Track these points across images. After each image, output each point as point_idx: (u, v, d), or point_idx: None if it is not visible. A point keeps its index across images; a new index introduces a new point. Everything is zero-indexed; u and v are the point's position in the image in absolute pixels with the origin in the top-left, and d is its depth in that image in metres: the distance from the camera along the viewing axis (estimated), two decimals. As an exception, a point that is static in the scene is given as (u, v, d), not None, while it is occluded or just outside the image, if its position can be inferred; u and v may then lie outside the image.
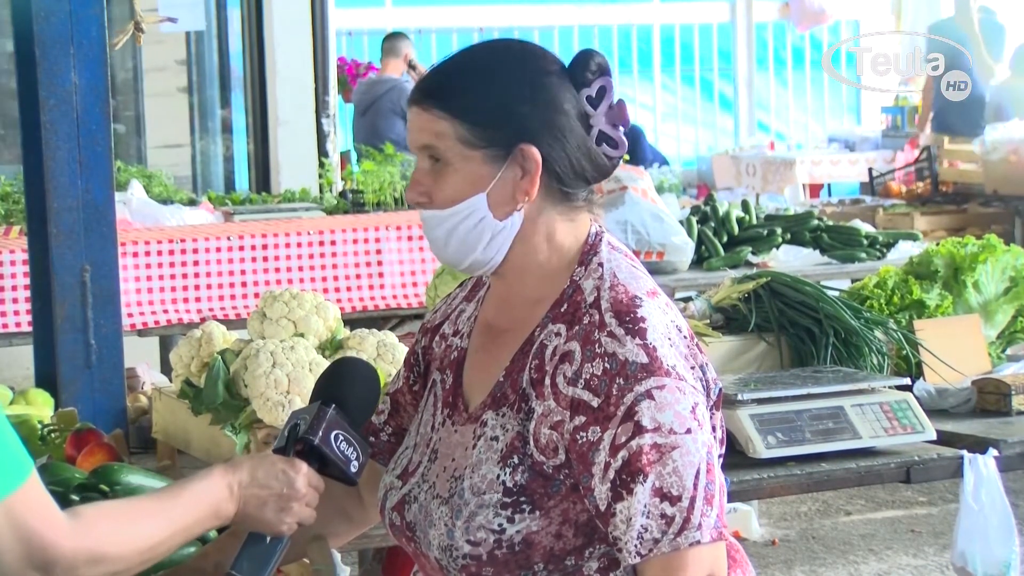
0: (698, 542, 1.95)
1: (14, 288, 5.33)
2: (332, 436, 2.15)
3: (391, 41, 10.40)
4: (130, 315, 5.38)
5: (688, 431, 1.97)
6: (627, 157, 11.05)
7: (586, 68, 2.13)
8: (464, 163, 2.08)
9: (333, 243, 5.87)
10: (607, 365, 2.00)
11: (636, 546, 1.96)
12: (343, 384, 2.22)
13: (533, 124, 2.08)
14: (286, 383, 2.97)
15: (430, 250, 2.26)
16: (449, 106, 2.08)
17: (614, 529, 1.98)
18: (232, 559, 2.16)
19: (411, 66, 10.10)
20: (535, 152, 2.07)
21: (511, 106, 2.07)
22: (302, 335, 3.14)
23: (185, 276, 5.63)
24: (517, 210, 2.10)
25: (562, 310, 2.10)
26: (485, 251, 2.11)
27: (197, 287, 5.65)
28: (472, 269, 2.15)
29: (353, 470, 2.17)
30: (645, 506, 1.95)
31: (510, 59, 2.12)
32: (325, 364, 2.98)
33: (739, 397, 3.25)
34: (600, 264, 2.12)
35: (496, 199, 2.09)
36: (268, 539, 2.12)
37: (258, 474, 2.09)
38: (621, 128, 2.16)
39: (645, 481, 1.95)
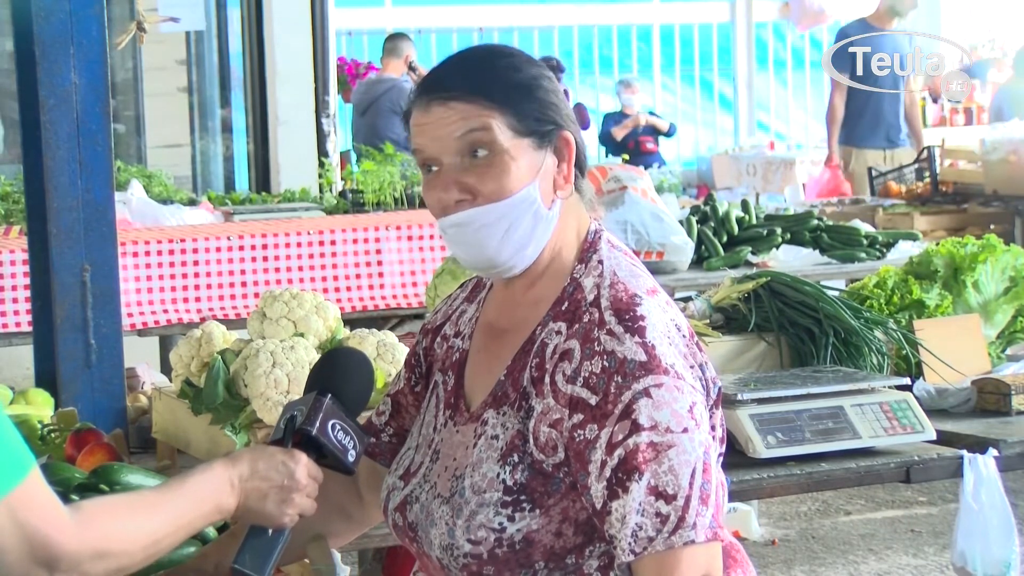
0: (692, 541, 1.95)
1: (14, 288, 5.33)
2: (329, 426, 2.14)
3: (393, 41, 10.40)
4: (130, 315, 5.38)
5: (685, 430, 1.97)
6: (627, 157, 11.06)
7: (556, 70, 2.16)
8: (517, 151, 2.06)
9: (333, 243, 5.87)
10: (606, 363, 2.00)
11: (630, 544, 1.96)
12: (337, 373, 2.22)
13: (563, 111, 2.10)
14: (286, 383, 2.97)
15: (453, 252, 2.17)
16: (490, 96, 2.06)
17: (609, 527, 1.98)
18: (232, 557, 2.16)
19: (411, 67, 10.09)
20: (571, 137, 2.09)
21: (543, 95, 2.08)
22: (302, 335, 3.14)
23: (185, 276, 5.63)
24: (558, 198, 2.10)
25: (563, 308, 2.11)
26: (536, 245, 2.10)
27: (197, 287, 5.65)
28: (510, 269, 2.11)
29: (350, 459, 2.17)
30: (640, 504, 1.95)
31: (519, 56, 2.13)
32: (325, 364, 2.98)
33: (739, 397, 3.25)
34: (600, 262, 2.12)
35: (544, 187, 2.09)
36: (270, 532, 2.12)
37: (258, 467, 2.09)
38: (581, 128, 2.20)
39: (640, 479, 1.95)
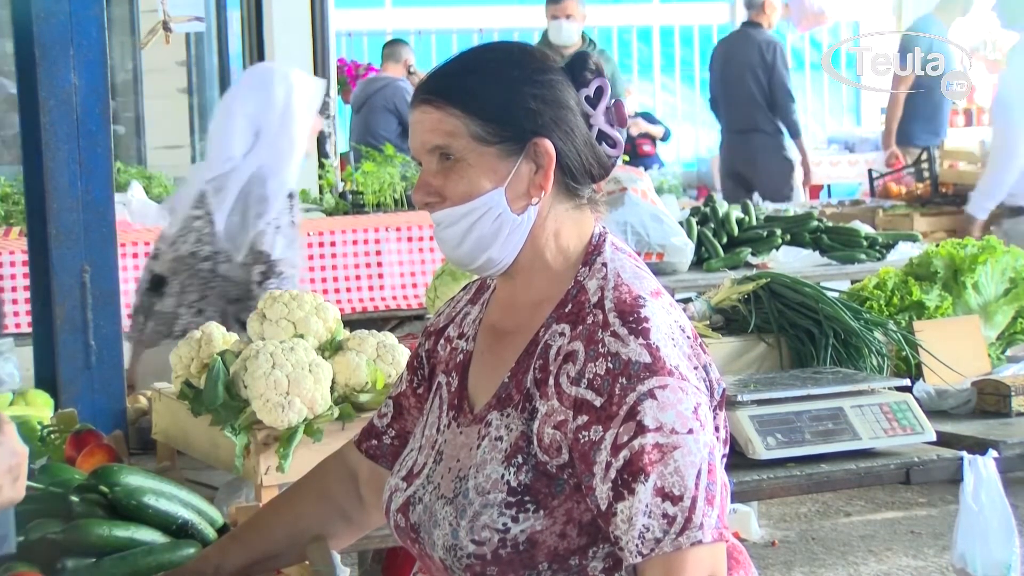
0: (700, 542, 1.95)
1: (14, 288, 5.33)
2: None
3: (392, 47, 10.46)
4: (130, 315, 5.37)
5: (690, 431, 1.98)
6: (626, 158, 11.07)
7: (584, 68, 2.15)
8: (479, 158, 2.09)
9: (333, 244, 5.88)
10: (610, 364, 2.01)
11: (637, 546, 1.96)
12: None
13: (544, 119, 2.09)
14: (286, 384, 2.97)
15: (440, 252, 2.25)
16: (459, 103, 2.09)
17: (615, 528, 1.98)
18: (232, 562, 2.15)
19: (410, 71, 10.11)
20: (549, 146, 2.09)
21: (521, 101, 2.09)
22: (302, 336, 3.14)
23: (185, 276, 5.61)
24: (532, 204, 2.11)
25: (566, 310, 2.11)
26: (502, 248, 2.11)
27: (197, 287, 5.63)
28: (485, 268, 2.15)
29: None
30: (647, 506, 1.95)
31: (513, 58, 2.13)
32: (325, 365, 2.98)
33: (739, 398, 3.25)
34: (604, 264, 2.12)
35: (512, 194, 2.10)
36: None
37: None
38: (618, 128, 2.17)
39: (647, 481, 1.95)
